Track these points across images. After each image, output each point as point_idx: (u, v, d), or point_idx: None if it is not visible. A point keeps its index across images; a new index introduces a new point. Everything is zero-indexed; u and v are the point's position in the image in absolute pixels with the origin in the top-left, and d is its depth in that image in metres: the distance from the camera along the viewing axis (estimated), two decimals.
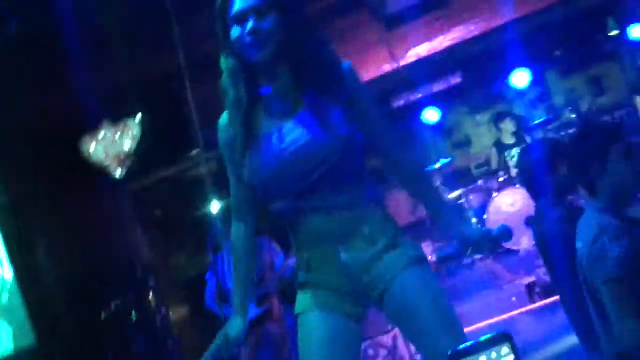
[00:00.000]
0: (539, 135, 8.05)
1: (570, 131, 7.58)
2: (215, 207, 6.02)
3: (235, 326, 2.58)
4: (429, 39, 7.00)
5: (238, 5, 2.32)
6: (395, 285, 2.38)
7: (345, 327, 2.45)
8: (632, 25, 8.41)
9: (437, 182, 9.17)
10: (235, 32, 2.31)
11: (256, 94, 2.40)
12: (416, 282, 2.38)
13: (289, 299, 5.81)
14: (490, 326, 6.00)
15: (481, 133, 9.56)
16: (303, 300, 2.49)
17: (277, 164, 2.34)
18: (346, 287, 2.43)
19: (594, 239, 2.76)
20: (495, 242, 2.49)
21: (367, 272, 2.40)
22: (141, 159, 7.25)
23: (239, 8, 2.31)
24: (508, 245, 7.94)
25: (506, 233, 2.49)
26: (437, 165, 8.64)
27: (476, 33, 6.92)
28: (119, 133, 7.03)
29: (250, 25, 2.28)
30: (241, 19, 2.31)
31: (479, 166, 9.08)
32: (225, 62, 2.39)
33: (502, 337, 1.29)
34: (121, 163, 7.12)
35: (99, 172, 7.17)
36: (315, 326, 2.44)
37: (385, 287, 2.39)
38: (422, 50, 7.02)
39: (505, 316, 6.09)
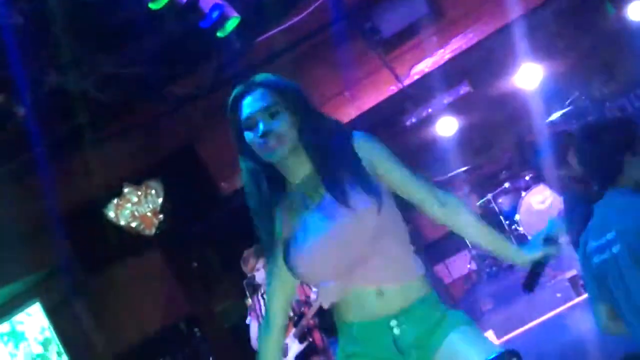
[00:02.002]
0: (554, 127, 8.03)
1: (583, 121, 7.55)
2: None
3: None
4: (429, 54, 7.06)
5: (247, 110, 2.34)
6: (445, 345, 2.33)
7: None
8: (630, 4, 8.41)
9: (465, 190, 9.19)
10: (248, 136, 2.33)
11: (278, 192, 2.40)
12: (466, 339, 2.33)
13: (330, 330, 5.84)
14: (540, 325, 5.96)
15: (500, 135, 9.55)
16: None
17: (312, 251, 2.30)
18: (395, 358, 2.36)
19: None
20: (551, 239, 2.48)
21: (418, 346, 2.35)
22: (170, 217, 7.40)
23: (247, 112, 2.33)
24: None
25: (554, 225, 2.49)
26: (459, 171, 8.68)
27: (475, 40, 6.97)
28: (142, 194, 7.17)
29: (261, 127, 2.29)
30: (251, 122, 2.32)
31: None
32: (244, 164, 2.40)
33: (509, 355, 1.30)
34: (150, 222, 7.25)
35: (131, 234, 7.32)
36: None
37: (434, 351, 2.34)
38: (425, 66, 7.08)
39: (552, 313, 6.03)
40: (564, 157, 3.21)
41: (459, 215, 2.48)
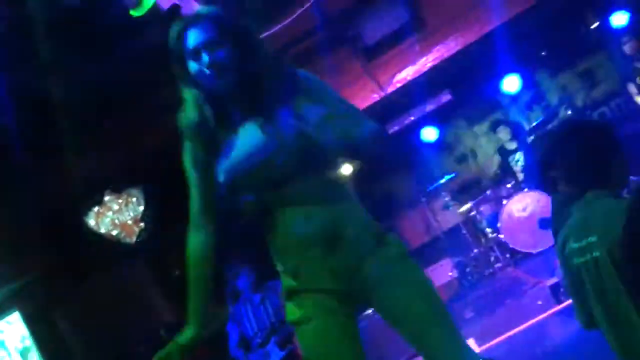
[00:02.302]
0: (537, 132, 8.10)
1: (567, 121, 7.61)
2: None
3: (186, 335, 2.65)
4: (411, 62, 7.08)
5: (192, 40, 2.39)
6: (385, 285, 2.40)
7: (347, 328, 2.46)
8: (612, 13, 8.47)
9: (446, 197, 9.23)
10: (193, 66, 2.40)
11: (220, 118, 2.46)
12: (405, 280, 2.42)
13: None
14: (521, 332, 5.97)
15: (482, 143, 9.60)
16: (298, 307, 2.48)
17: (250, 158, 2.39)
18: (338, 289, 2.43)
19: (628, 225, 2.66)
20: None
21: (357, 273, 2.41)
22: (151, 225, 7.36)
23: (193, 43, 2.39)
24: (525, 249, 7.96)
25: None
26: (443, 181, 8.70)
27: (457, 48, 7.00)
28: (123, 202, 7.13)
29: (206, 58, 2.36)
30: (196, 53, 2.39)
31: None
32: (188, 93, 2.45)
33: None
34: (131, 230, 7.21)
35: (111, 243, 7.27)
36: (319, 332, 2.44)
37: (374, 287, 2.41)
38: (407, 74, 7.10)
39: (533, 321, 6.05)
40: (552, 157, 3.19)
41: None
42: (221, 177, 2.44)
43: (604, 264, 2.79)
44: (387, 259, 2.42)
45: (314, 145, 2.34)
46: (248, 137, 2.42)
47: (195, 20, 2.43)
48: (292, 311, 2.49)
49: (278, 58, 2.60)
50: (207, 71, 2.36)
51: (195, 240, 2.66)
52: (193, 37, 2.40)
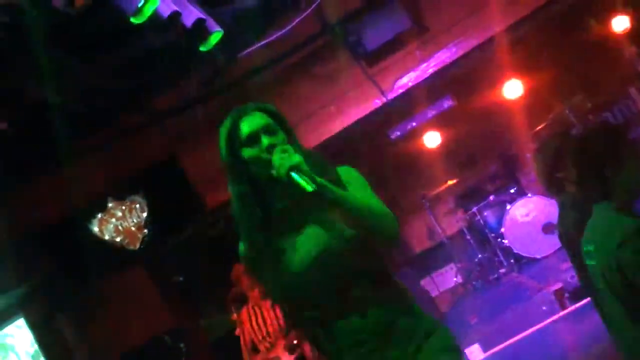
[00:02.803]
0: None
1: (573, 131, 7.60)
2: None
3: None
4: (413, 68, 7.07)
5: (247, 128, 2.46)
6: None
7: None
8: (614, 18, 8.48)
9: (450, 203, 9.22)
10: (249, 152, 2.45)
11: (270, 212, 2.49)
12: None
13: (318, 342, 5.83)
14: (525, 338, 5.96)
15: (485, 148, 9.59)
16: None
17: (302, 273, 2.41)
18: None
19: (620, 244, 2.73)
20: None
21: None
22: (154, 231, 7.36)
23: (249, 130, 2.46)
24: (529, 254, 7.96)
25: None
26: (446, 187, 8.70)
27: (458, 54, 6.99)
28: (126, 209, 7.14)
29: (265, 142, 2.42)
30: (254, 139, 2.45)
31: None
32: (237, 189, 2.48)
33: None
34: (135, 237, 7.21)
35: (115, 249, 7.27)
36: None
37: None
38: (409, 79, 7.09)
39: (538, 326, 6.03)
40: (557, 159, 3.19)
41: None
42: (280, 288, 2.47)
43: (594, 273, 2.82)
44: (437, 347, 2.47)
45: (367, 243, 2.43)
46: (305, 241, 2.45)
47: (245, 111, 2.51)
48: None
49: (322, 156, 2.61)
50: (267, 155, 2.40)
51: None
52: (248, 125, 2.47)
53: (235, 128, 2.48)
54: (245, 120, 2.48)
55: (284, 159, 2.34)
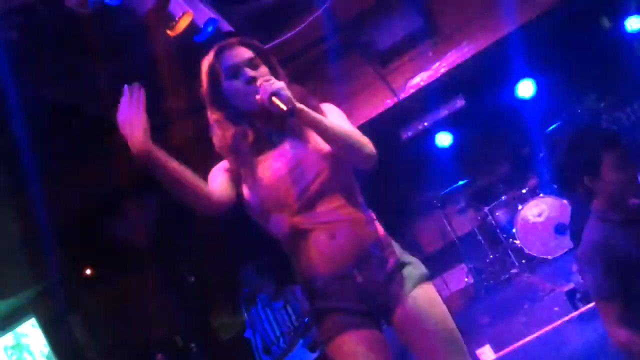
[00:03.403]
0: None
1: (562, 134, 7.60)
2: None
3: None
4: (425, 68, 7.08)
5: (230, 61, 2.63)
6: (405, 305, 2.57)
7: (377, 337, 2.62)
8: (627, 18, 8.43)
9: (462, 203, 9.18)
10: (231, 84, 2.63)
11: (250, 133, 2.66)
12: (424, 302, 2.58)
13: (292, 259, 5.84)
14: (537, 339, 5.93)
15: (496, 148, 9.56)
16: (329, 324, 2.62)
17: (277, 182, 2.58)
18: (364, 308, 2.61)
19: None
20: None
21: (381, 292, 2.59)
22: (166, 231, 7.38)
23: (231, 63, 2.63)
24: (541, 255, 7.92)
25: None
26: (457, 187, 8.67)
27: (471, 53, 6.98)
28: (138, 208, 7.16)
29: (246, 75, 2.59)
30: (235, 71, 2.61)
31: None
32: (217, 114, 2.68)
33: None
34: (146, 236, 7.23)
35: (128, 248, 7.29)
36: (351, 343, 2.58)
37: (395, 304, 2.58)
38: (420, 79, 7.10)
39: (549, 327, 6.00)
40: (568, 159, 3.19)
41: None
42: (253, 198, 2.60)
43: None
44: (409, 279, 2.60)
45: (340, 164, 2.58)
46: (280, 157, 2.61)
47: (229, 44, 2.67)
48: (322, 330, 2.66)
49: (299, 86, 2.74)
50: (248, 87, 2.57)
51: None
52: (231, 57, 2.63)
53: (217, 60, 2.64)
54: (227, 53, 2.64)
55: (267, 85, 2.49)
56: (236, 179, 2.67)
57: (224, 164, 2.73)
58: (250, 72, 2.60)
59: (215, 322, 8.47)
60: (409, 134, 8.81)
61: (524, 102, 8.89)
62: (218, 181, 2.67)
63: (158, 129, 7.01)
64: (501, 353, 5.92)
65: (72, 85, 4.88)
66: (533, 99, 8.87)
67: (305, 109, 2.51)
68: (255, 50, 2.68)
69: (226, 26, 5.05)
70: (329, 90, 6.98)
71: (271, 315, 6.07)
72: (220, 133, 2.67)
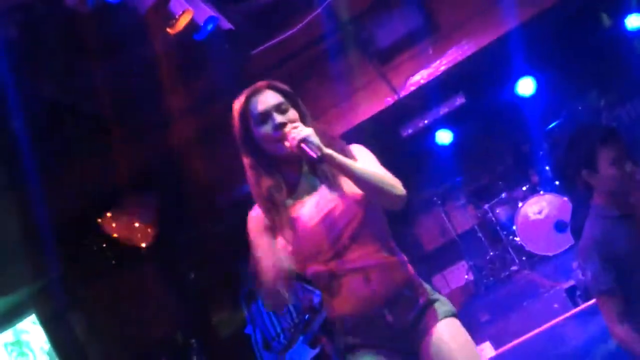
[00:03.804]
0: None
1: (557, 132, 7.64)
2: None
3: None
4: (425, 65, 7.06)
5: (260, 106, 2.67)
6: (430, 337, 2.65)
7: None
8: (627, 15, 8.43)
9: (462, 201, 9.18)
10: (260, 130, 2.66)
11: (283, 180, 2.71)
12: (449, 334, 2.66)
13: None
14: (537, 336, 5.94)
15: (497, 145, 9.56)
16: (358, 358, 2.69)
17: (312, 229, 2.63)
18: (393, 345, 2.69)
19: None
20: None
21: (411, 330, 2.68)
22: (166, 228, 7.37)
23: (261, 109, 2.66)
24: (541, 252, 7.93)
25: None
26: (456, 184, 8.68)
27: (471, 51, 6.97)
28: (137, 206, 7.16)
29: (276, 120, 2.63)
30: (265, 117, 2.65)
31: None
32: (250, 159, 2.71)
33: None
34: (146, 233, 7.23)
35: (126, 246, 7.29)
36: None
37: (422, 339, 2.67)
38: (421, 77, 7.09)
39: (549, 324, 6.02)
40: (568, 157, 3.21)
41: None
42: (289, 248, 2.62)
43: None
44: (437, 314, 2.69)
45: (372, 208, 2.64)
46: (313, 206, 2.67)
47: (258, 89, 2.71)
48: None
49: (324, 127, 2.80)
50: (278, 132, 2.61)
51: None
52: (260, 103, 2.66)
53: (247, 106, 2.68)
54: (257, 97, 2.68)
55: (295, 133, 2.54)
56: (272, 228, 2.68)
57: (259, 222, 2.70)
58: (278, 118, 2.63)
59: (216, 319, 8.48)
60: (409, 131, 8.81)
61: (524, 99, 8.89)
62: (274, 251, 2.66)
63: (161, 125, 7.07)
64: (501, 350, 5.93)
65: (70, 84, 4.88)
66: (533, 97, 8.88)
67: (334, 154, 2.57)
68: (284, 95, 2.71)
69: (226, 24, 5.06)
70: (329, 88, 6.98)
71: (272, 312, 6.08)
72: (254, 181, 2.70)
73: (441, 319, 2.67)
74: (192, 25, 4.63)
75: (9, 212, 6.28)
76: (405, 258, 2.77)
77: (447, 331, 2.65)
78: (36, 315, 7.57)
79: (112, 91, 5.40)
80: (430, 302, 2.71)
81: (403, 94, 7.10)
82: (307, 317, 5.92)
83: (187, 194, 7.47)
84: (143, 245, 7.37)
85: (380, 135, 8.04)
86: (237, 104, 2.71)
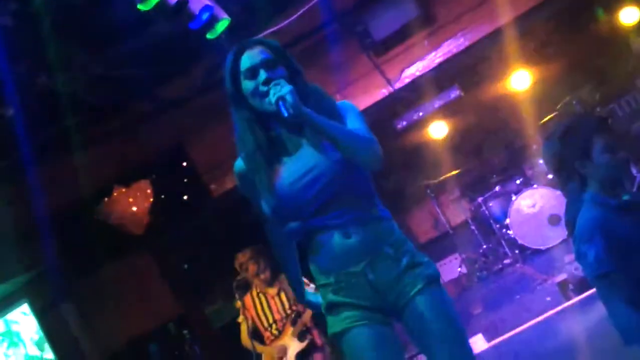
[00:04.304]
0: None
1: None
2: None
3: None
4: (420, 58, 7.07)
5: (247, 62, 2.67)
6: (414, 303, 2.63)
7: (386, 333, 2.69)
8: (622, 9, 8.44)
9: (456, 193, 9.20)
10: (248, 85, 2.66)
11: (268, 137, 2.71)
12: (433, 302, 2.64)
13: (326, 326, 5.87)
14: (529, 329, 5.96)
15: (491, 139, 9.57)
16: (339, 320, 2.70)
17: (291, 188, 2.63)
18: (375, 304, 2.67)
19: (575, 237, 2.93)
20: None
21: (392, 290, 2.65)
22: (160, 218, 7.37)
23: (248, 64, 2.67)
24: (534, 245, 7.95)
25: None
26: (451, 177, 8.69)
27: (466, 44, 6.98)
28: (131, 195, 7.15)
29: (263, 76, 2.63)
30: (253, 72, 2.66)
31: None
32: (238, 114, 2.73)
33: None
34: (140, 223, 7.23)
35: (120, 236, 7.28)
36: (361, 338, 2.65)
37: (405, 303, 2.64)
38: (416, 69, 7.10)
39: (542, 317, 6.03)
40: (561, 151, 3.21)
41: None
42: (269, 204, 2.68)
43: None
44: (419, 278, 2.66)
45: (354, 167, 2.62)
46: (295, 162, 2.67)
47: (248, 45, 2.72)
48: (333, 324, 2.73)
49: (322, 90, 2.82)
50: (264, 88, 2.61)
51: (279, 233, 2.83)
52: (248, 59, 2.68)
53: (236, 61, 2.69)
54: (247, 54, 2.68)
55: (274, 89, 2.55)
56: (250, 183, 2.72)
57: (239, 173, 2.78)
58: (265, 74, 2.64)
59: (209, 310, 8.49)
60: (404, 123, 8.80)
61: (518, 93, 8.90)
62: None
63: (156, 115, 7.03)
64: (493, 343, 5.95)
65: (66, 74, 4.86)
66: (528, 90, 8.89)
67: (310, 114, 2.55)
68: (274, 51, 2.72)
69: (222, 14, 5.03)
70: (324, 79, 6.97)
71: (265, 301, 6.07)
72: (240, 136, 2.73)
73: (425, 283, 2.64)
74: (163, 4, 4.53)
75: (4, 200, 6.27)
76: (389, 215, 2.76)
77: (431, 298, 2.63)
78: (29, 305, 7.57)
79: (108, 81, 5.38)
80: (414, 264, 2.67)
81: (398, 86, 7.11)
82: (297, 308, 5.94)
83: (182, 183, 7.46)
84: (137, 234, 7.37)
85: (374, 127, 8.03)
86: (228, 59, 2.72)
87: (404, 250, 2.69)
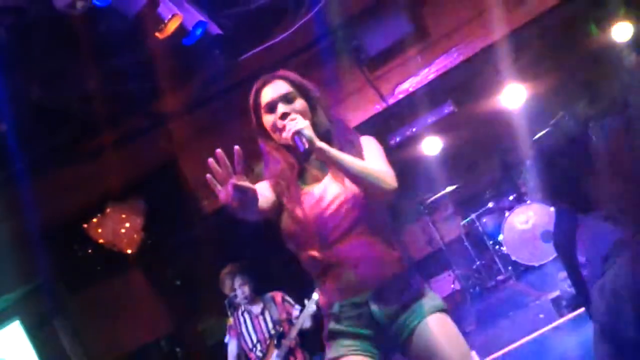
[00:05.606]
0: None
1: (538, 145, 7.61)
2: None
3: None
4: (413, 73, 7.08)
5: (268, 95, 2.75)
6: (418, 331, 2.66)
7: None
8: (615, 25, 8.47)
9: (449, 210, 9.19)
10: (269, 119, 2.75)
11: (292, 164, 2.79)
12: (438, 329, 2.67)
13: (310, 348, 5.85)
14: (523, 345, 5.94)
15: (484, 155, 9.58)
16: (336, 347, 2.73)
17: (310, 216, 2.69)
18: (374, 334, 2.71)
19: (607, 255, 2.82)
20: None
21: (395, 321, 2.69)
22: (152, 235, 7.34)
23: (269, 98, 2.75)
24: (527, 262, 7.94)
25: None
26: (445, 193, 8.68)
27: (459, 59, 7.00)
28: (124, 212, 7.13)
29: (280, 110, 2.71)
30: (271, 107, 2.74)
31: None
32: (265, 144, 2.82)
33: None
34: (132, 240, 7.20)
35: (112, 252, 7.24)
36: None
37: (409, 334, 2.67)
38: (409, 85, 7.11)
39: (535, 334, 6.01)
40: (552, 169, 3.20)
41: None
42: (288, 230, 2.73)
43: (589, 282, 2.92)
44: (423, 309, 2.70)
45: (372, 202, 2.69)
46: (318, 193, 2.73)
47: (269, 79, 2.79)
48: (331, 350, 2.75)
49: (345, 122, 2.93)
50: (281, 122, 2.68)
51: None
52: (268, 94, 2.76)
53: (257, 95, 2.78)
54: (267, 88, 2.77)
55: (290, 125, 2.60)
56: (278, 205, 2.76)
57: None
58: (282, 109, 2.71)
59: (201, 327, 8.44)
60: (397, 139, 8.81)
61: (512, 109, 8.91)
62: (264, 196, 2.72)
63: (149, 130, 7.03)
64: (487, 359, 5.92)
65: (60, 87, 4.85)
66: (522, 106, 8.90)
67: (325, 148, 2.60)
68: (293, 85, 2.78)
69: (215, 29, 5.04)
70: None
71: (249, 320, 6.05)
72: (268, 165, 2.81)
73: (429, 314, 2.67)
74: (180, 29, 4.61)
75: None
76: (401, 255, 2.79)
77: (436, 326, 2.66)
78: (20, 322, 7.51)
79: (102, 95, 5.37)
80: (418, 297, 2.71)
81: (391, 101, 7.11)
82: (282, 329, 5.90)
83: (175, 199, 7.44)
84: (129, 251, 7.33)
85: None
86: (251, 93, 2.81)
87: (412, 283, 2.74)
